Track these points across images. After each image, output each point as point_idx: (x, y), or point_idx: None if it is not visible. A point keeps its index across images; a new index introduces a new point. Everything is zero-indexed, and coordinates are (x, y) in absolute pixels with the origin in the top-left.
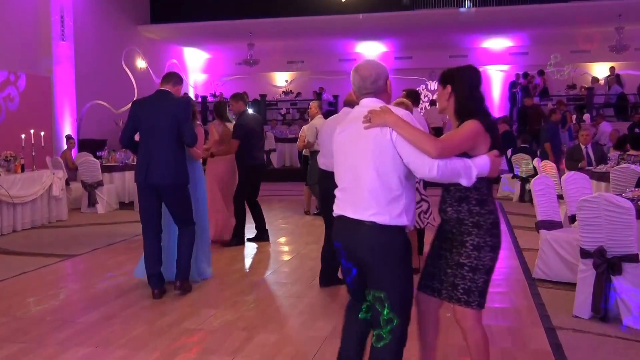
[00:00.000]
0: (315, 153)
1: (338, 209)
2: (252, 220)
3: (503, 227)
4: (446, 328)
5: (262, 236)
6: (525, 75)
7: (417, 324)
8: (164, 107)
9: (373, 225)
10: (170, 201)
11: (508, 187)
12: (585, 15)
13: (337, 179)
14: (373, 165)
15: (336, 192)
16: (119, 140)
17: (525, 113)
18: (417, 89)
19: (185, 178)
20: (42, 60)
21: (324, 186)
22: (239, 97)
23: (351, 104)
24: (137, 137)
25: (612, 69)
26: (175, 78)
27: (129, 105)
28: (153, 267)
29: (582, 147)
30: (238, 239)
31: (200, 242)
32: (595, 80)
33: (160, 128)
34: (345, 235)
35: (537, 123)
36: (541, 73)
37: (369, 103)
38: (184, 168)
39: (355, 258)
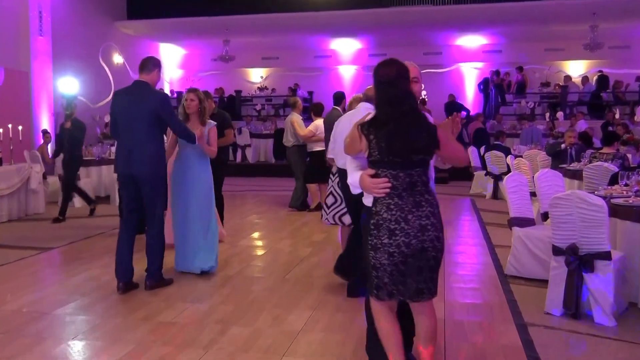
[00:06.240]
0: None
1: None
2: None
3: (476, 224)
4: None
5: None
6: (497, 73)
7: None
8: (141, 100)
9: None
10: (147, 192)
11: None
12: (560, 14)
13: None
14: None
15: None
16: (110, 134)
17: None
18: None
19: (163, 171)
20: (20, 55)
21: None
22: (210, 95)
23: (372, 99)
24: None
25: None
26: (150, 65)
27: (107, 99)
28: (124, 262)
29: (566, 147)
30: None
31: (211, 234)
32: (568, 78)
33: (138, 120)
34: None
35: None
36: (520, 69)
37: None
38: (162, 160)
39: None
